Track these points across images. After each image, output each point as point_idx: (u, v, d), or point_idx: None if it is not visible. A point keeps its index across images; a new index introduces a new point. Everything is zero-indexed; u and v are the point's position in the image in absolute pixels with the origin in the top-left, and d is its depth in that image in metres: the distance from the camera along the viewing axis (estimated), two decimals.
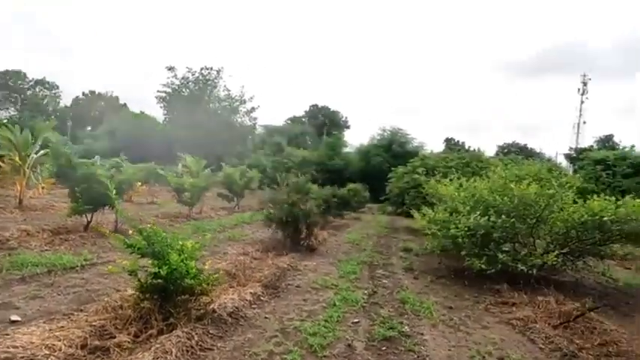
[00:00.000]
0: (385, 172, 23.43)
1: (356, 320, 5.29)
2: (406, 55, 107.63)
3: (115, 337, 3.88)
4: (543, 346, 4.91)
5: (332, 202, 14.81)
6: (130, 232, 4.73)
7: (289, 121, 59.95)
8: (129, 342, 3.85)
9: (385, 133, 36.36)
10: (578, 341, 5.10)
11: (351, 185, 20.47)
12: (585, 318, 5.72)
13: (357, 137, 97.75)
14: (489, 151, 48.46)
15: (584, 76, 52.39)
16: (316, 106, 65.31)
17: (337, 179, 26.81)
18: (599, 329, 5.48)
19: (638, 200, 7.43)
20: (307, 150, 39.13)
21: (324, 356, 4.16)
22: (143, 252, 4.39)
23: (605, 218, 7.28)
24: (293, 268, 7.66)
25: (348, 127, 65.00)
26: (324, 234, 11.61)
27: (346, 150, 39.34)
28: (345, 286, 6.78)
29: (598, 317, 5.88)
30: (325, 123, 60.75)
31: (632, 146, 27.79)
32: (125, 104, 65.36)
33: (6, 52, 77.06)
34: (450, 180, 11.06)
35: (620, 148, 32.99)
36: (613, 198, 7.70)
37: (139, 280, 4.36)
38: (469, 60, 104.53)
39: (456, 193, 9.14)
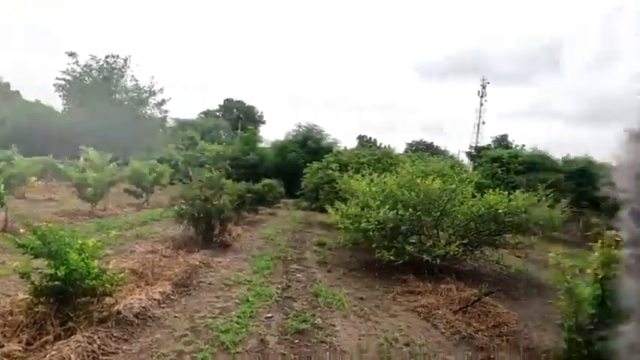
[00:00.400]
0: (300, 168, 23.59)
1: (269, 315, 5.29)
2: (323, 54, 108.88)
3: (3, 347, 3.53)
4: (445, 331, 5.27)
5: (246, 197, 14.63)
6: (22, 230, 4.33)
7: (202, 115, 58.21)
8: (20, 350, 3.53)
9: (301, 129, 36.58)
10: (475, 324, 5.53)
11: (267, 181, 20.36)
12: (481, 303, 6.21)
13: (272, 133, 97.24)
14: (399, 148, 50.65)
15: (483, 79, 56.71)
16: (231, 100, 64.00)
17: (252, 174, 26.48)
18: (493, 312, 5.99)
19: (526, 194, 8.23)
20: (221, 145, 38.26)
21: (237, 352, 4.12)
22: (37, 252, 4.04)
23: (500, 211, 8.00)
24: (205, 265, 7.47)
25: (263, 123, 64.42)
26: (238, 230, 11.44)
27: (261, 145, 39.00)
28: (259, 282, 6.75)
29: (492, 302, 6.41)
30: (240, 117, 59.73)
31: (523, 145, 30.67)
32: (18, 92, 59.27)
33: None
34: (362, 175, 11.40)
35: (513, 147, 36.25)
36: (506, 192, 8.46)
37: (32, 283, 4.00)
38: (380, 60, 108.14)
39: (368, 188, 9.45)
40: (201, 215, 9.10)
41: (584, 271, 3.60)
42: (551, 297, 3.81)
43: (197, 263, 7.30)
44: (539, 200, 8.42)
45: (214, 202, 9.33)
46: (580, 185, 21.96)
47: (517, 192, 8.50)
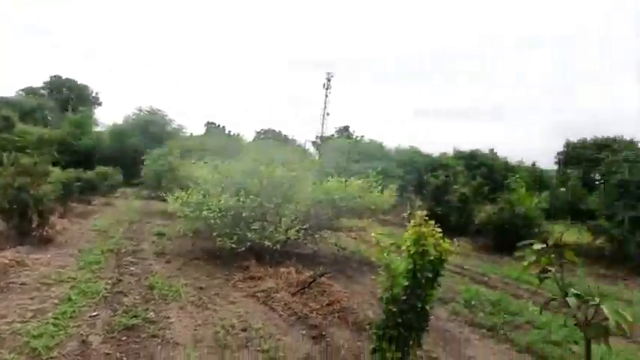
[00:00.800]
0: (141, 155, 22.05)
1: (95, 313, 4.84)
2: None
3: None
4: (282, 313, 5.42)
5: (75, 186, 13.20)
6: None
7: (22, 93, 50.49)
8: None
9: (142, 114, 34.13)
10: (311, 304, 5.80)
11: (102, 168, 18.78)
12: (318, 283, 6.53)
13: (110, 116, 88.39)
14: (249, 136, 50.68)
15: (329, 73, 59.33)
16: (59, 77, 56.42)
17: (85, 161, 24.15)
18: (329, 291, 6.35)
19: (358, 181, 8.91)
20: (47, 127, 33.82)
21: (51, 358, 3.68)
22: None
23: (336, 197, 8.50)
24: (18, 263, 6.52)
25: (99, 104, 58.10)
26: (64, 222, 10.26)
27: (97, 129, 35.51)
28: (85, 278, 6.14)
29: (328, 281, 6.79)
30: (71, 98, 53.38)
31: (362, 136, 33.23)
32: None
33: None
34: (206, 162, 11.11)
35: (354, 137, 38.96)
36: (343, 179, 9.03)
37: None
38: (237, 50, 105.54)
39: (210, 176, 9.23)
40: (14, 206, 7.91)
41: (400, 248, 3.98)
42: (377, 273, 4.15)
43: (7, 262, 6.36)
44: (370, 186, 9.15)
45: (31, 191, 8.19)
46: (408, 173, 24.61)
47: (352, 179, 9.13)
